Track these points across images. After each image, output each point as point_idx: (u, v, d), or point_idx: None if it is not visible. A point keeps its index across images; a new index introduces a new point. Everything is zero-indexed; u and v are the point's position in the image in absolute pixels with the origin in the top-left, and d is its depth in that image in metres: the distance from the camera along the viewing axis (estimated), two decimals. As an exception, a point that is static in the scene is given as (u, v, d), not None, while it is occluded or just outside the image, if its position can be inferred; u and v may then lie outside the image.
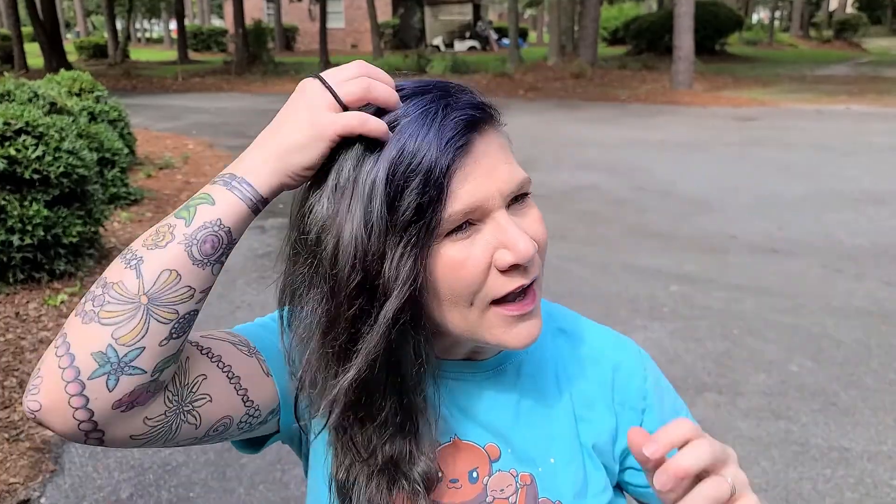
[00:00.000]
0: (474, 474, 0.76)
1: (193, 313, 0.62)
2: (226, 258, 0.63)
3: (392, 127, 0.63)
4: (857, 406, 3.16)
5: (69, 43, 35.31)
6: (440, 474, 0.75)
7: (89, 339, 0.59)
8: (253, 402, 0.72)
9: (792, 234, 5.77)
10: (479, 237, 0.64)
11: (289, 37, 35.90)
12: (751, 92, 16.20)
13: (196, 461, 2.78)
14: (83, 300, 0.61)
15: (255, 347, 0.74)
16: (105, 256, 4.87)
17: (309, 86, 0.65)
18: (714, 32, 24.99)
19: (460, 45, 33.50)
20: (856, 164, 8.42)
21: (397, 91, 0.65)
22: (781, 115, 12.90)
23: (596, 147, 9.69)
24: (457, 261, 0.64)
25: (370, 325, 0.63)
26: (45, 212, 4.17)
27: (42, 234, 4.15)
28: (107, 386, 0.59)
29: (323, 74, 0.65)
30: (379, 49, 23.95)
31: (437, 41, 33.72)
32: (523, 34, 36.43)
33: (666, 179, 7.81)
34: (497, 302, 0.66)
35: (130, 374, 0.59)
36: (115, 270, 0.61)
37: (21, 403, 3.08)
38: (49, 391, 0.59)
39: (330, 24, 28.53)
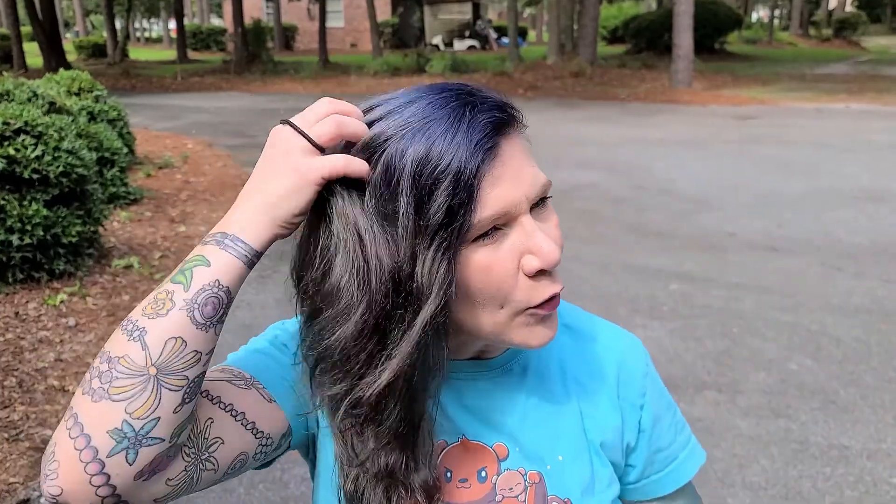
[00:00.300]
0: (483, 473, 0.76)
1: (202, 375, 0.62)
2: (226, 316, 0.62)
3: (404, 131, 0.62)
4: (856, 404, 3.16)
5: (68, 42, 35.30)
6: (449, 474, 0.76)
7: (103, 417, 0.58)
8: (263, 432, 0.71)
9: (791, 232, 5.77)
10: (505, 242, 0.64)
11: (288, 36, 35.88)
12: (750, 90, 16.20)
13: (196, 460, 2.78)
14: (88, 377, 0.60)
15: (251, 377, 0.73)
16: (104, 256, 4.87)
17: (281, 133, 0.64)
18: (713, 31, 24.99)
19: (460, 45, 33.48)
20: (855, 162, 8.42)
21: (415, 94, 0.65)
22: (781, 113, 12.90)
23: (595, 146, 9.69)
24: (484, 265, 0.63)
25: (403, 331, 0.62)
26: (45, 211, 4.17)
27: (41, 233, 4.15)
28: (126, 460, 0.59)
29: (293, 119, 0.65)
30: (378, 48, 23.94)
31: (437, 40, 33.70)
32: (523, 33, 36.41)
33: (665, 178, 7.81)
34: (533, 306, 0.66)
35: (149, 445, 0.59)
36: (118, 343, 0.60)
37: (21, 403, 3.09)
38: (68, 474, 0.58)
39: (329, 24, 28.53)
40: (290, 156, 0.62)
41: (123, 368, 0.58)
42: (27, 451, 2.82)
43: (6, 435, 2.90)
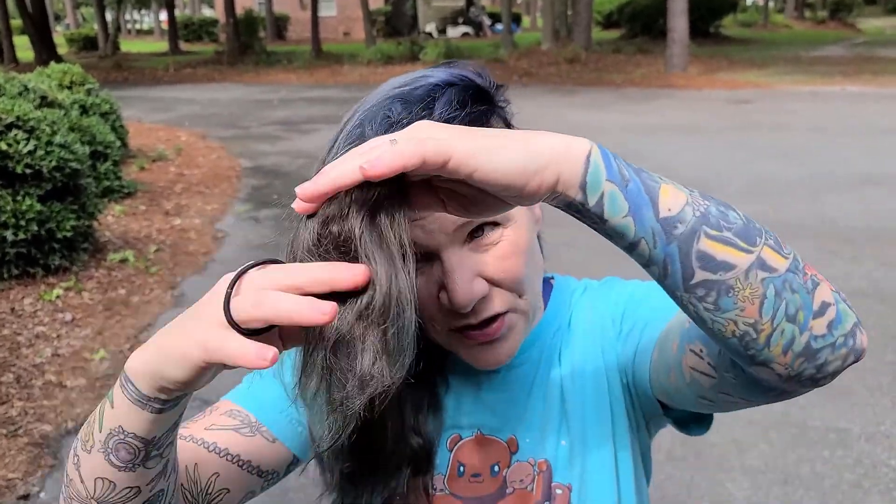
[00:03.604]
0: (496, 468, 0.77)
1: (156, 495, 0.59)
2: (160, 451, 0.56)
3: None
4: (854, 387, 3.17)
5: (59, 35, 35.08)
6: (462, 468, 0.76)
7: None
8: (269, 471, 0.74)
9: (787, 216, 5.77)
10: (427, 273, 0.64)
11: (280, 26, 35.69)
12: (745, 74, 16.16)
13: (195, 454, 2.78)
14: (64, 479, 0.60)
15: (256, 421, 0.75)
16: (99, 250, 4.85)
17: (220, 283, 0.51)
18: (708, 14, 24.91)
19: (453, 32, 33.35)
20: (851, 145, 8.41)
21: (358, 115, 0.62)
22: (776, 97, 12.88)
23: (591, 132, 9.63)
24: None
25: None
26: (39, 206, 4.15)
27: (36, 228, 4.13)
28: None
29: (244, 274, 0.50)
30: (371, 37, 23.82)
31: (430, 28, 33.56)
32: (517, 19, 36.25)
33: (661, 163, 7.79)
34: (459, 328, 0.66)
35: None
36: (69, 465, 0.59)
37: (19, 399, 3.09)
38: None
39: (321, 13, 28.36)
40: (197, 320, 0.50)
41: (73, 493, 0.58)
42: (26, 446, 2.82)
43: (4, 431, 2.90)
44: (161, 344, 0.52)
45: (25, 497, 2.55)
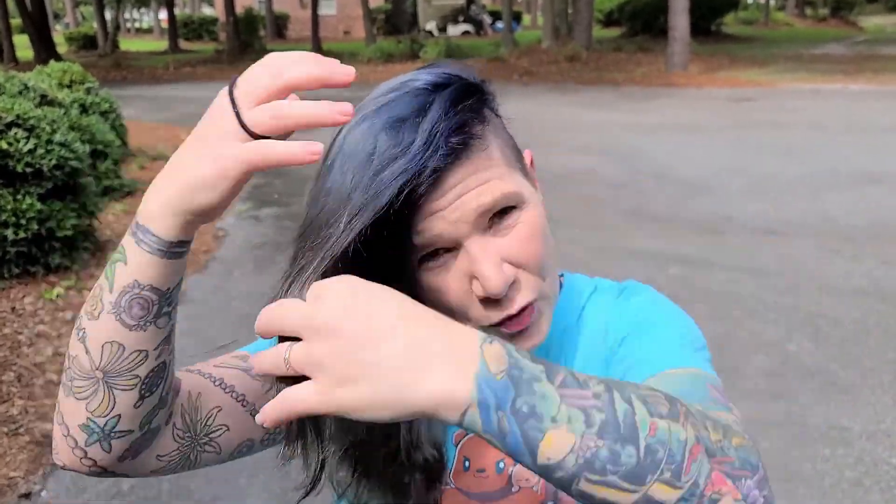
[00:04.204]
0: (501, 465, 0.76)
1: (159, 367, 0.60)
2: (170, 307, 0.59)
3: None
4: (855, 385, 3.17)
5: (58, 34, 35.07)
6: (467, 463, 0.76)
7: (72, 412, 0.60)
8: None
9: (789, 215, 5.76)
10: (454, 265, 0.63)
11: (280, 24, 35.66)
12: (747, 72, 16.15)
13: (196, 452, 2.78)
14: (64, 367, 0.61)
15: None
16: (100, 249, 4.85)
17: (220, 105, 0.53)
18: (709, 13, 24.88)
19: (454, 30, 33.32)
20: (852, 143, 8.41)
21: (371, 106, 0.61)
22: (777, 95, 12.87)
23: (592, 131, 9.66)
24: (435, 287, 0.64)
25: None
26: (39, 205, 4.15)
27: (36, 227, 4.13)
28: (103, 449, 0.61)
29: (240, 81, 0.53)
30: (371, 35, 23.81)
31: (431, 26, 33.51)
32: (517, 17, 36.22)
33: (662, 162, 7.79)
34: (497, 323, 0.65)
35: (119, 438, 0.61)
36: (73, 342, 0.60)
37: (20, 398, 3.09)
38: (63, 454, 0.63)
39: (321, 11, 28.34)
40: (216, 138, 0.53)
41: (77, 370, 0.59)
42: (27, 445, 2.82)
43: (6, 429, 2.90)
44: (181, 177, 0.54)
45: (27, 495, 2.56)
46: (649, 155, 8.18)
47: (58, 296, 4.11)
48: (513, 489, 0.76)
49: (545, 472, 0.47)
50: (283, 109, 0.51)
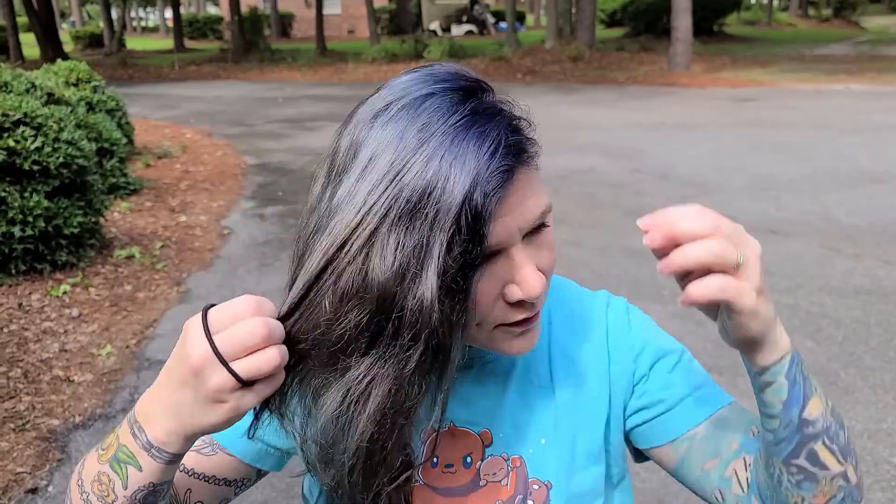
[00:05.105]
0: (468, 459, 0.77)
1: None
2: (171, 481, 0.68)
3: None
4: (856, 385, 3.19)
5: (65, 33, 35.11)
6: (435, 459, 0.77)
7: None
8: (236, 479, 0.83)
9: (790, 214, 5.77)
10: (492, 269, 0.62)
11: (285, 23, 35.69)
12: (749, 72, 16.14)
13: (201, 448, 2.80)
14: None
15: (215, 442, 0.81)
16: (106, 246, 4.88)
17: (193, 333, 0.57)
18: (712, 13, 24.86)
19: (457, 30, 33.30)
20: (854, 143, 8.41)
21: (431, 78, 0.62)
22: (780, 95, 12.86)
23: (594, 130, 9.67)
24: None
25: (437, 371, 0.61)
26: (46, 203, 4.18)
27: (43, 225, 4.16)
28: None
29: (216, 335, 0.56)
30: (375, 35, 23.81)
31: (434, 26, 33.51)
32: (520, 17, 36.20)
33: (664, 161, 7.80)
34: (512, 322, 0.66)
35: None
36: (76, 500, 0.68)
37: (26, 394, 3.12)
38: None
39: (326, 10, 28.34)
40: (216, 393, 0.57)
41: None
42: (34, 440, 2.84)
43: (13, 425, 2.93)
44: (176, 413, 0.59)
45: (34, 490, 2.58)
46: (651, 154, 8.18)
47: (64, 292, 4.13)
48: (480, 483, 0.77)
49: (803, 424, 0.64)
50: (260, 360, 0.57)
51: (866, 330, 3.71)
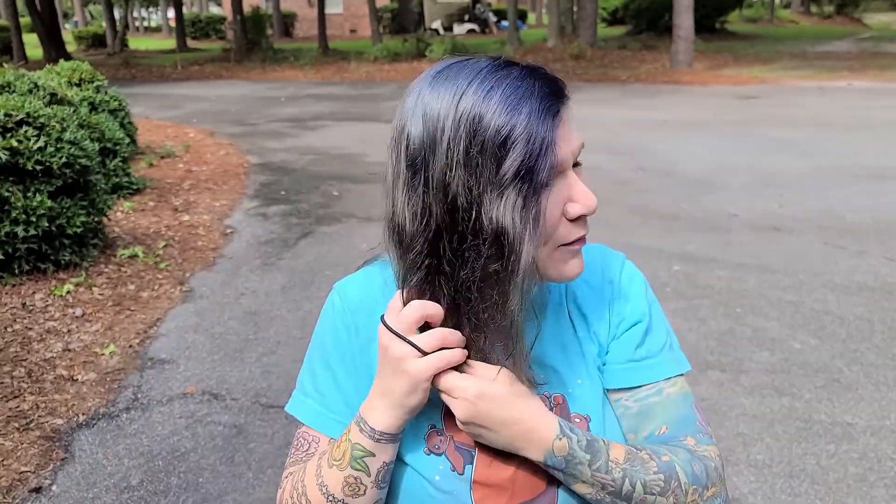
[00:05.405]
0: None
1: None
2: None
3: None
4: (860, 382, 3.18)
5: (67, 33, 35.16)
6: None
7: None
8: None
9: (793, 211, 5.76)
10: (553, 191, 0.74)
11: (287, 23, 35.71)
12: (751, 70, 16.11)
13: (204, 447, 2.81)
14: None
15: (320, 436, 0.92)
16: (109, 246, 4.89)
17: (387, 338, 0.77)
18: (714, 11, 24.82)
19: (459, 29, 33.28)
20: (857, 140, 8.39)
21: (494, 62, 0.77)
22: (782, 92, 12.84)
23: (596, 128, 9.66)
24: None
25: (512, 280, 0.74)
26: (49, 202, 4.18)
27: (46, 224, 4.16)
28: None
29: (391, 324, 0.77)
30: (377, 34, 23.80)
31: (436, 25, 33.49)
32: (522, 16, 36.18)
33: (667, 159, 7.79)
34: (571, 241, 0.79)
35: None
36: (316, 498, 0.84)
37: (30, 393, 3.12)
38: None
39: (328, 10, 28.35)
40: (400, 363, 0.76)
41: None
42: (37, 440, 2.85)
43: (17, 424, 2.93)
44: (388, 402, 0.78)
45: (38, 490, 2.59)
46: (654, 152, 8.18)
47: (67, 292, 4.14)
48: None
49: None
50: (441, 360, 0.77)
51: (870, 327, 3.71)
